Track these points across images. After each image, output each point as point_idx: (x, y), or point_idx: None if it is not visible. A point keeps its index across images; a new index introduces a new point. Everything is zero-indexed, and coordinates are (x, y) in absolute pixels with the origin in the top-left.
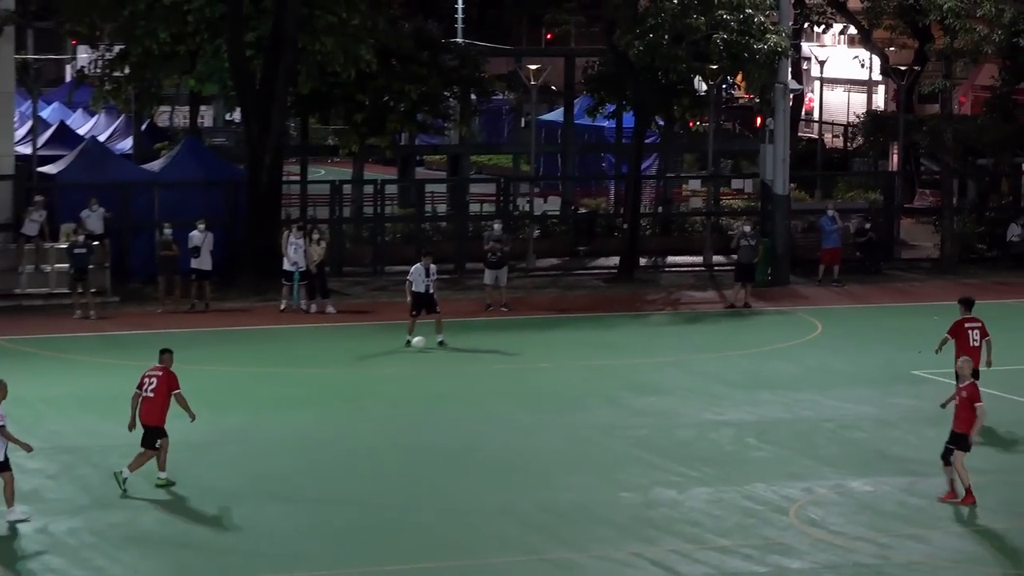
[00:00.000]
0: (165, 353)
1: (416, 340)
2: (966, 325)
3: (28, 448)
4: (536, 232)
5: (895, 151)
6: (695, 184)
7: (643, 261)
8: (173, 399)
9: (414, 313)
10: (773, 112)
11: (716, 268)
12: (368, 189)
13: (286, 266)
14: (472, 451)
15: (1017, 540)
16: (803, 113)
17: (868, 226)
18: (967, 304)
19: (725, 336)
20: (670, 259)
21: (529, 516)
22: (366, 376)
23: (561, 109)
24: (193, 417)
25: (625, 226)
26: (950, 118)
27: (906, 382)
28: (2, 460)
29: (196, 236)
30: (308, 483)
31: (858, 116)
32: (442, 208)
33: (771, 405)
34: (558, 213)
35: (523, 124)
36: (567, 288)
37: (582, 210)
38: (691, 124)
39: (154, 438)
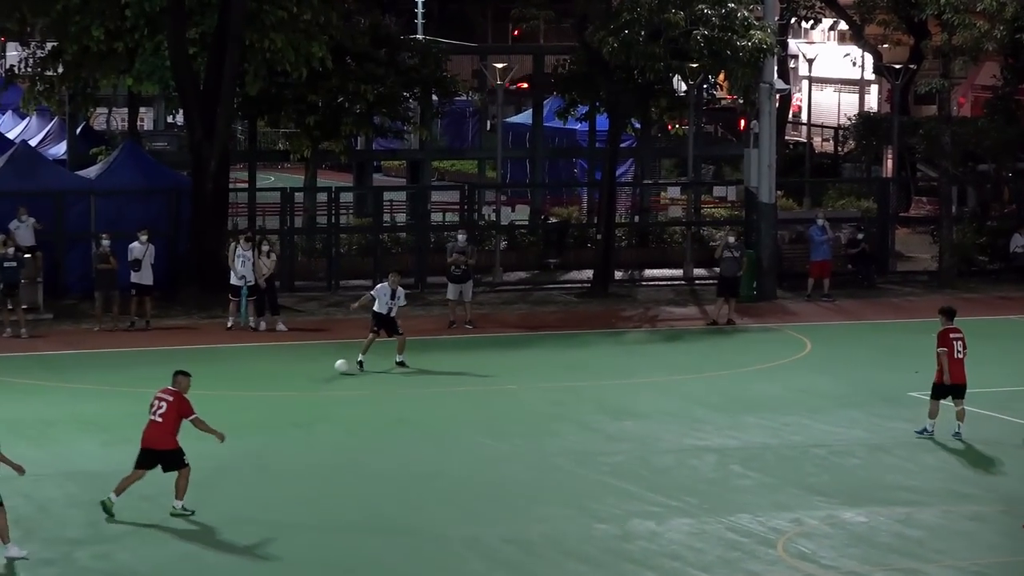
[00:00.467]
0: (179, 375)
1: (339, 364)
2: (952, 336)
3: (20, 470)
4: (503, 243)
5: (889, 156)
6: (674, 192)
7: (618, 275)
8: (190, 424)
9: (375, 330)
10: (758, 114)
11: (697, 282)
12: (321, 197)
13: (233, 280)
14: (434, 479)
15: None
16: (790, 115)
17: (861, 236)
18: (949, 314)
19: (707, 355)
20: (647, 272)
21: (495, 550)
22: (320, 399)
23: (529, 111)
24: (222, 438)
25: (599, 237)
26: (948, 120)
27: (902, 405)
28: None
29: (136, 248)
30: (256, 513)
31: (849, 118)
32: (401, 218)
33: (757, 429)
34: (527, 223)
35: (489, 127)
36: (536, 304)
37: (552, 220)
38: (670, 127)
39: (174, 461)
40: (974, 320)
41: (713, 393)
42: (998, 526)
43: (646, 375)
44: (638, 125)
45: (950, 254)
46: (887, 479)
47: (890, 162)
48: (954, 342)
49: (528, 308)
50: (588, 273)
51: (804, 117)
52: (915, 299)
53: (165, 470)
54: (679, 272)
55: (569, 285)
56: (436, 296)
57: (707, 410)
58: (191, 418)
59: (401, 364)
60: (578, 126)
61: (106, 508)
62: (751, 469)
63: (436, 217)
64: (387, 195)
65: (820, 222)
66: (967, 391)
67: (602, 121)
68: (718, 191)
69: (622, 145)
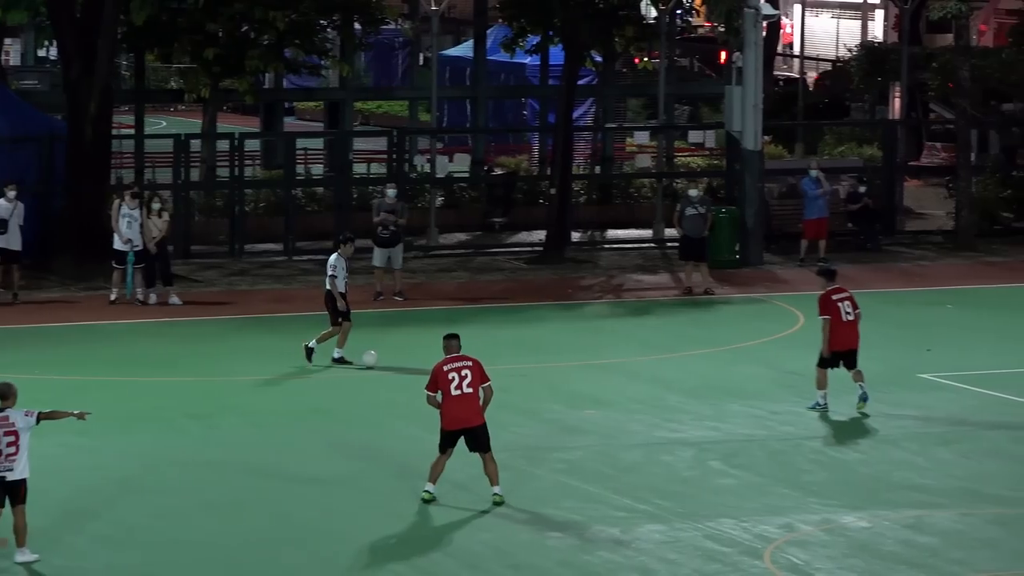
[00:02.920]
0: (454, 338)
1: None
2: (834, 297)
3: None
4: (439, 200)
5: (897, 94)
6: (642, 137)
7: (576, 236)
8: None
9: (340, 321)
10: (742, 45)
11: (669, 244)
12: (223, 145)
13: (117, 245)
14: (356, 481)
15: None
16: (780, 46)
17: (863, 190)
18: (828, 274)
19: (681, 332)
20: (610, 233)
21: (432, 563)
22: (222, 386)
23: (470, 42)
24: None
25: (553, 191)
26: (967, 51)
27: (912, 388)
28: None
29: (2, 207)
30: (144, 522)
31: (850, 49)
32: (318, 170)
33: (741, 419)
34: (467, 175)
35: (421, 62)
36: (478, 271)
37: (498, 171)
38: (637, 60)
39: (485, 438)
40: (996, 288)
41: (689, 376)
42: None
43: (609, 355)
44: (599, 58)
45: (969, 210)
46: (894, 477)
47: (898, 101)
48: (839, 304)
49: (469, 276)
50: (540, 235)
51: (796, 48)
52: (927, 264)
53: (473, 449)
54: (648, 233)
55: (517, 249)
56: (360, 263)
57: (682, 396)
58: (486, 385)
59: (340, 360)
60: (528, 60)
61: (427, 500)
62: (734, 466)
63: (359, 169)
64: (300, 142)
65: (814, 173)
66: (859, 355)
67: (557, 54)
68: (694, 136)
69: (580, 82)
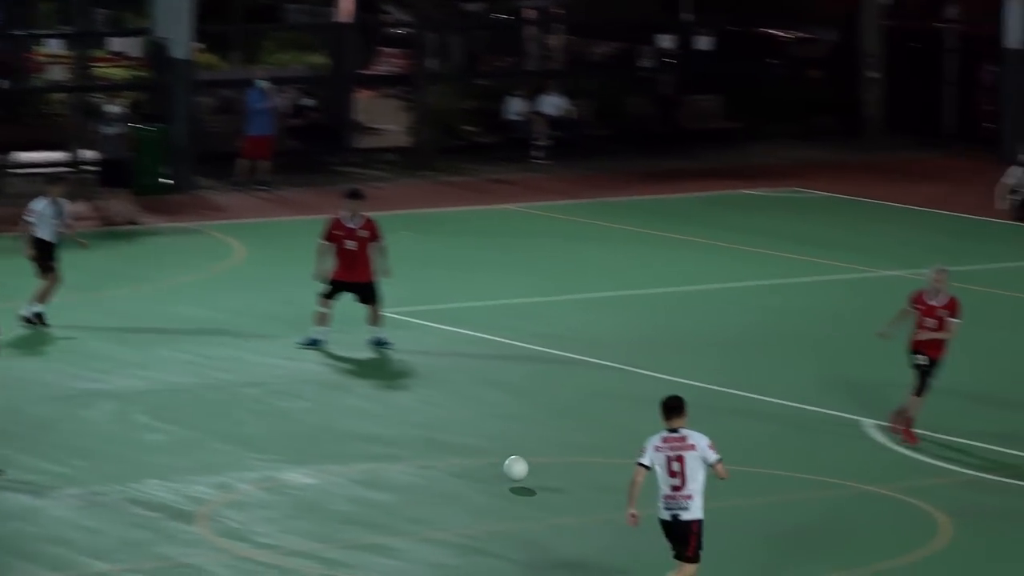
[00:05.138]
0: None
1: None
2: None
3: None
4: None
5: None
6: (54, 46)
7: None
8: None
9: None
10: None
11: (88, 168)
12: None
13: None
14: None
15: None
16: None
17: (309, 103)
18: (356, 195)
19: (102, 267)
20: (20, 156)
21: None
22: None
23: None
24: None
25: None
26: None
27: (366, 327)
28: None
29: None
30: None
31: None
32: None
33: (171, 366)
34: None
35: None
36: None
37: None
38: None
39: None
40: (457, 211)
41: (112, 318)
42: (488, 484)
43: (13, 297)
44: None
45: (428, 125)
46: (344, 426)
47: (348, 1)
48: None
49: None
50: None
51: None
52: (384, 185)
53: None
54: (64, 155)
55: None
56: None
57: (103, 342)
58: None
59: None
60: None
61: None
62: (163, 419)
63: None
64: None
65: (262, 84)
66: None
67: None
68: (116, 44)
69: None
